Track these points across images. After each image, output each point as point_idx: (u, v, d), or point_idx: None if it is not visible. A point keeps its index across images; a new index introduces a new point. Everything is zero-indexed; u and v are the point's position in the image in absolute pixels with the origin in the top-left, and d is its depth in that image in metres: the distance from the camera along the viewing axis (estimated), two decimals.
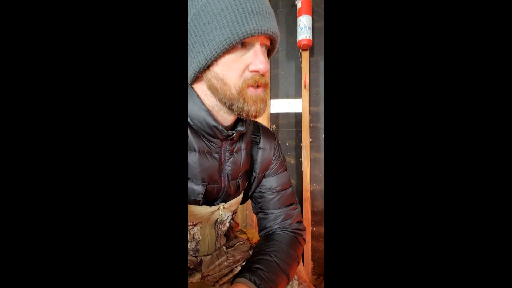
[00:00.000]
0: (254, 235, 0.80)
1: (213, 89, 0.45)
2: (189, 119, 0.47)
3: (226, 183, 0.54)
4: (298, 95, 1.38)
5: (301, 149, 1.35)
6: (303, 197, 1.34)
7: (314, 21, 1.31)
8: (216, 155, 0.51)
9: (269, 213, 0.61)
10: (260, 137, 0.61)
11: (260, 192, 0.62)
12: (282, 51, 1.40)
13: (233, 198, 0.57)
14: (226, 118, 0.49)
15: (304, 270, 1.01)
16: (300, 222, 0.63)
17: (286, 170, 0.64)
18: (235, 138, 0.52)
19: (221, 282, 0.60)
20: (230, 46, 0.40)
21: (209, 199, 0.53)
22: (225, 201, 0.55)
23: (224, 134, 0.48)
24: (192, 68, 0.45)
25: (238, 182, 0.56)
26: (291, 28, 1.38)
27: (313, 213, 1.37)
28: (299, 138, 1.39)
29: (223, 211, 0.55)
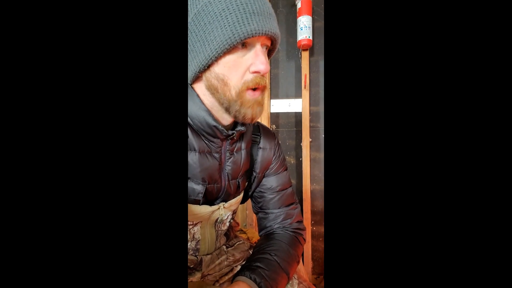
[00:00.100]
0: (254, 235, 0.81)
1: (212, 89, 0.45)
2: (189, 119, 0.47)
3: (226, 182, 0.54)
4: (298, 95, 1.39)
5: (301, 149, 1.35)
6: (303, 197, 1.35)
7: (314, 21, 1.32)
8: (216, 155, 0.51)
9: (269, 212, 0.62)
10: (260, 137, 0.61)
11: (260, 191, 0.62)
12: (282, 51, 1.41)
13: (233, 197, 0.57)
14: (226, 118, 0.49)
15: (304, 269, 1.01)
16: (300, 221, 0.63)
17: (286, 169, 0.65)
18: (235, 138, 0.52)
19: (221, 281, 0.60)
20: (230, 46, 0.41)
21: (209, 199, 0.53)
22: (225, 201, 0.55)
23: (224, 133, 0.49)
24: (192, 68, 0.45)
25: (238, 182, 0.56)
26: (291, 28, 1.38)
27: (313, 212, 1.38)
28: (299, 138, 1.39)
29: (223, 211, 0.56)
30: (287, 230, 0.60)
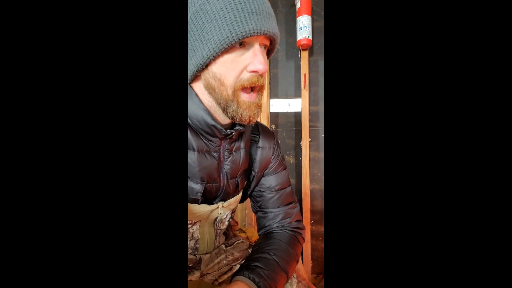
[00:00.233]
0: (254, 234, 0.81)
1: (210, 89, 0.45)
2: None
3: (225, 182, 0.54)
4: (297, 94, 1.39)
5: (301, 149, 1.36)
6: (303, 196, 1.35)
7: (313, 21, 1.32)
8: (215, 154, 0.51)
9: (268, 212, 0.62)
10: (259, 136, 0.61)
11: (259, 191, 0.62)
12: (282, 51, 1.41)
13: (232, 197, 0.57)
14: (224, 117, 0.49)
15: (304, 268, 1.02)
16: (299, 220, 0.64)
17: (285, 169, 0.65)
18: (234, 137, 0.52)
19: (220, 280, 0.60)
20: (228, 46, 0.41)
21: (208, 198, 0.53)
22: (224, 200, 0.56)
23: (223, 133, 0.49)
24: (190, 67, 0.45)
25: (237, 181, 0.56)
26: (291, 28, 1.38)
27: (313, 212, 1.38)
28: (298, 138, 1.39)
29: (222, 210, 0.56)
30: (286, 229, 0.60)
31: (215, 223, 0.58)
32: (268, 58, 0.49)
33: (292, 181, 1.41)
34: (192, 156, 0.49)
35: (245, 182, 0.61)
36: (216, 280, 0.60)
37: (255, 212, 0.66)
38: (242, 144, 0.56)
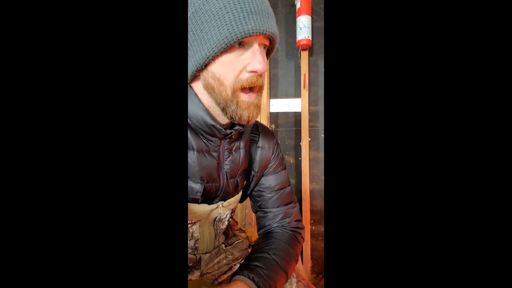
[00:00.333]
0: (253, 234, 0.81)
1: (209, 89, 0.45)
2: None
3: (225, 181, 0.54)
4: (297, 94, 1.39)
5: (300, 148, 1.36)
6: (303, 196, 1.35)
7: (313, 21, 1.32)
8: (215, 154, 0.52)
9: (268, 211, 0.62)
10: (259, 136, 0.61)
11: (259, 190, 0.62)
12: (282, 51, 1.41)
13: (232, 196, 0.57)
14: (224, 117, 0.49)
15: (303, 268, 1.02)
16: (299, 220, 0.64)
17: (284, 168, 0.65)
18: (233, 137, 0.52)
19: (220, 280, 0.60)
20: (227, 46, 0.41)
21: (208, 198, 0.53)
22: (224, 200, 0.56)
23: (223, 133, 0.49)
24: (190, 67, 0.45)
25: (237, 181, 0.56)
26: (291, 28, 1.38)
27: (312, 212, 1.38)
28: (298, 138, 1.39)
29: (221, 210, 0.56)
30: (285, 229, 0.60)
31: (215, 222, 0.58)
32: (267, 58, 0.49)
33: (292, 181, 1.41)
34: (191, 156, 0.49)
35: (245, 182, 0.61)
36: (216, 279, 0.60)
37: (255, 212, 0.66)
38: (241, 144, 0.56)
